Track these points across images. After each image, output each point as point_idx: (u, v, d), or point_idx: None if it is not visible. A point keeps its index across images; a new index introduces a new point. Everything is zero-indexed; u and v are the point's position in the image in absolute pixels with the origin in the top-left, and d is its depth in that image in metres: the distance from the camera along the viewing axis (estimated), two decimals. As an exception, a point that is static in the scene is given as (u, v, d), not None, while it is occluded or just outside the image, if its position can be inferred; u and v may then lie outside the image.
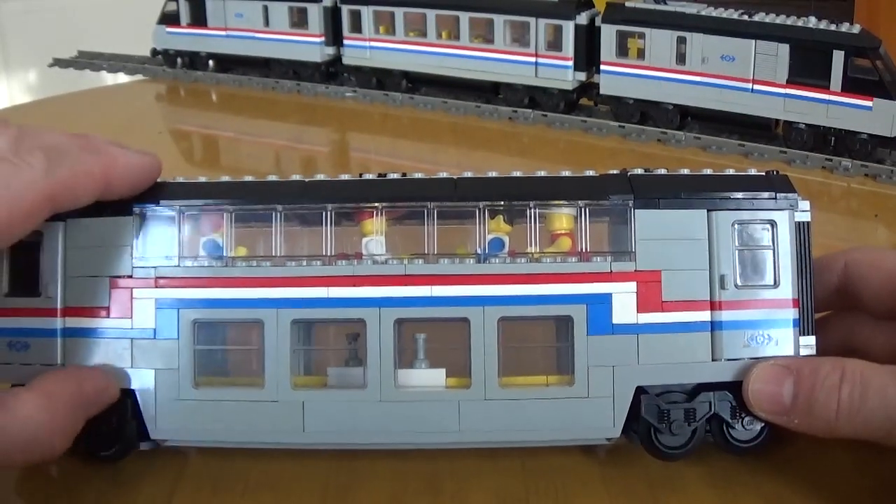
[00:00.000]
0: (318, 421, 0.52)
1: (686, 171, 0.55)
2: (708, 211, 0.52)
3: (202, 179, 0.55)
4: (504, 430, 0.52)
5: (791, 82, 1.16)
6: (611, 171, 0.55)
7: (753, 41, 1.18)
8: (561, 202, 0.54)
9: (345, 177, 0.56)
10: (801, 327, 0.52)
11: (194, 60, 1.63)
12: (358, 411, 0.52)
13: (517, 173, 0.55)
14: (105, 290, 0.53)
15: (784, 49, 1.16)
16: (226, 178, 0.55)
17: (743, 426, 0.52)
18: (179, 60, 1.64)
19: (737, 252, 0.52)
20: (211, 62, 1.62)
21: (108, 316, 0.52)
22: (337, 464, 0.54)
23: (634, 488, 0.52)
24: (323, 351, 0.57)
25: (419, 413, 0.52)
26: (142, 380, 0.52)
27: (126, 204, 0.53)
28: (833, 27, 1.15)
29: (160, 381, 0.52)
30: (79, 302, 0.53)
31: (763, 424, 0.52)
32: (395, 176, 0.55)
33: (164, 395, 0.52)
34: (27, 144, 0.48)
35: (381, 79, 1.49)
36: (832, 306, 0.57)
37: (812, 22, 1.16)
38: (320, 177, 0.56)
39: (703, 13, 1.23)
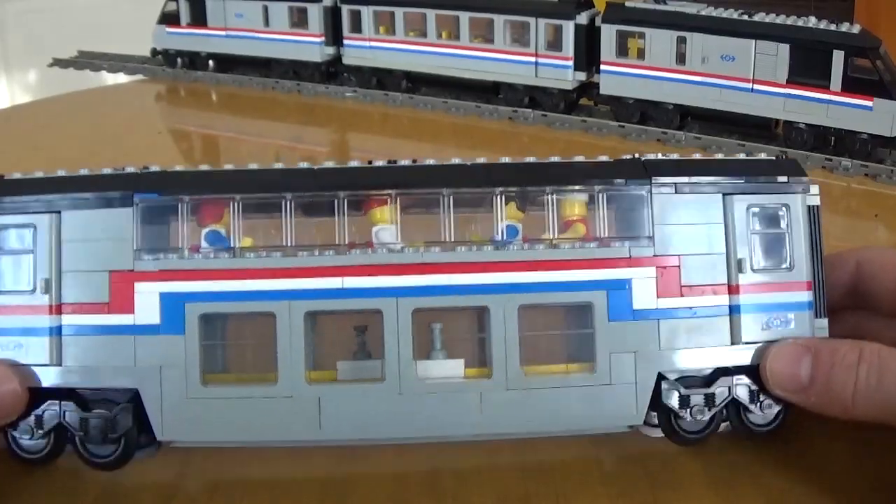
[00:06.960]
0: (335, 416, 0.50)
1: (698, 156, 0.55)
2: (723, 195, 0.52)
3: (205, 168, 0.53)
4: (526, 419, 0.51)
5: (791, 82, 1.16)
6: (624, 157, 0.55)
7: (753, 41, 1.18)
8: (579, 187, 0.53)
9: (354, 163, 0.54)
10: (815, 310, 0.52)
11: (194, 60, 1.63)
12: (377, 405, 0.50)
13: (531, 159, 0.54)
14: (105, 284, 0.50)
15: (784, 49, 1.16)
16: (230, 167, 0.53)
17: (760, 410, 0.52)
18: (179, 60, 1.64)
19: (752, 236, 0.52)
20: (211, 62, 1.63)
21: (108, 311, 0.50)
22: (336, 463, 0.54)
23: (634, 488, 0.52)
24: (329, 344, 0.55)
25: (440, 405, 0.50)
26: (146, 378, 0.49)
27: (127, 195, 0.51)
28: (833, 27, 1.15)
29: (166, 379, 0.49)
30: (76, 298, 0.50)
31: (779, 409, 0.52)
32: (406, 162, 0.54)
33: (170, 393, 0.49)
34: None
35: (382, 79, 1.49)
36: (842, 304, 0.57)
37: (812, 22, 1.16)
38: (329, 164, 0.54)
39: (703, 13, 1.23)
